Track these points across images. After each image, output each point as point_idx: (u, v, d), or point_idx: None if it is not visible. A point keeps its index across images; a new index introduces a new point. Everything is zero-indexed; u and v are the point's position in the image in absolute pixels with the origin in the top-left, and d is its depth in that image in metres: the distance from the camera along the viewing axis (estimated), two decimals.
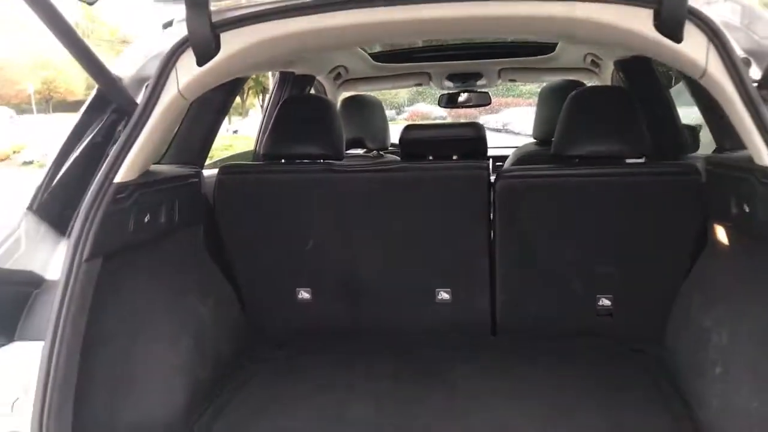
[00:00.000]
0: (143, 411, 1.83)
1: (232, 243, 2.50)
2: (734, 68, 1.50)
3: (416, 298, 2.48)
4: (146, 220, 1.88)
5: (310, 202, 2.46)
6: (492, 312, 2.45)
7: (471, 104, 4.47)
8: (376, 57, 3.76)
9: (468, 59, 3.85)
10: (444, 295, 2.45)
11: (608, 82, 3.74)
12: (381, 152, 3.79)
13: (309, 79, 3.69)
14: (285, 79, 3.51)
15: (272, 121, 2.60)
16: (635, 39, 1.64)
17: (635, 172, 2.29)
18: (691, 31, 1.56)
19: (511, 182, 2.34)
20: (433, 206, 2.39)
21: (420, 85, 4.38)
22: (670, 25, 1.56)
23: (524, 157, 3.42)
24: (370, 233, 2.45)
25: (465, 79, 4.12)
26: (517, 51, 3.80)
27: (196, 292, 2.26)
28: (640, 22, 1.58)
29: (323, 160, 2.49)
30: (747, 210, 1.66)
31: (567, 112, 2.37)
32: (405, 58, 3.87)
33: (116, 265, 1.71)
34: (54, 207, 1.66)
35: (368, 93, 4.22)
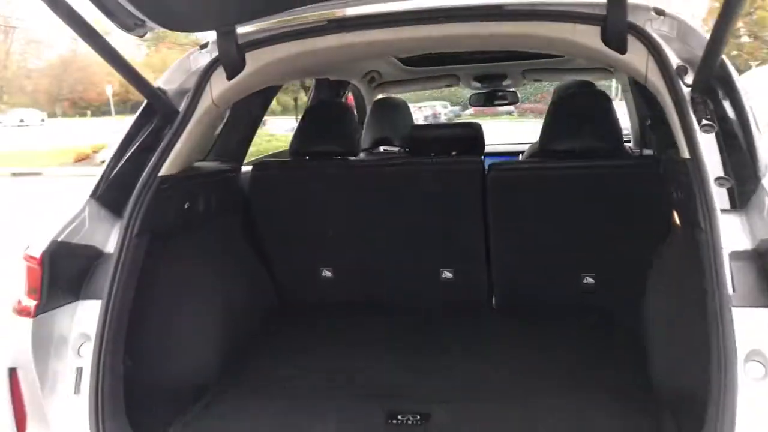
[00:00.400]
0: (183, 364, 2.22)
1: (264, 229, 2.89)
2: (668, 74, 1.76)
3: (422, 277, 2.81)
4: (186, 206, 2.28)
5: (329, 193, 2.81)
6: (489, 289, 2.75)
7: (501, 103, 4.71)
8: (405, 61, 4.03)
9: (493, 61, 4.09)
10: (447, 274, 2.76)
11: (625, 80, 3.92)
12: (407, 149, 4.08)
13: (344, 84, 4.04)
14: (321, 84, 3.86)
15: (298, 123, 2.98)
16: (588, 51, 1.91)
17: (605, 165, 2.53)
18: (633, 43, 1.83)
19: (501, 174, 2.62)
20: (434, 196, 2.70)
21: (449, 86, 4.64)
22: (615, 39, 1.83)
23: (535, 152, 3.66)
24: (380, 220, 2.78)
25: (491, 80, 4.36)
26: (537, 53, 4.00)
27: (232, 269, 2.65)
28: (590, 37, 1.86)
29: (341, 156, 2.84)
30: (680, 197, 1.90)
31: (550, 112, 2.63)
32: (434, 61, 4.09)
33: (161, 243, 2.10)
34: (111, 195, 2.04)
35: (397, 95, 4.49)
